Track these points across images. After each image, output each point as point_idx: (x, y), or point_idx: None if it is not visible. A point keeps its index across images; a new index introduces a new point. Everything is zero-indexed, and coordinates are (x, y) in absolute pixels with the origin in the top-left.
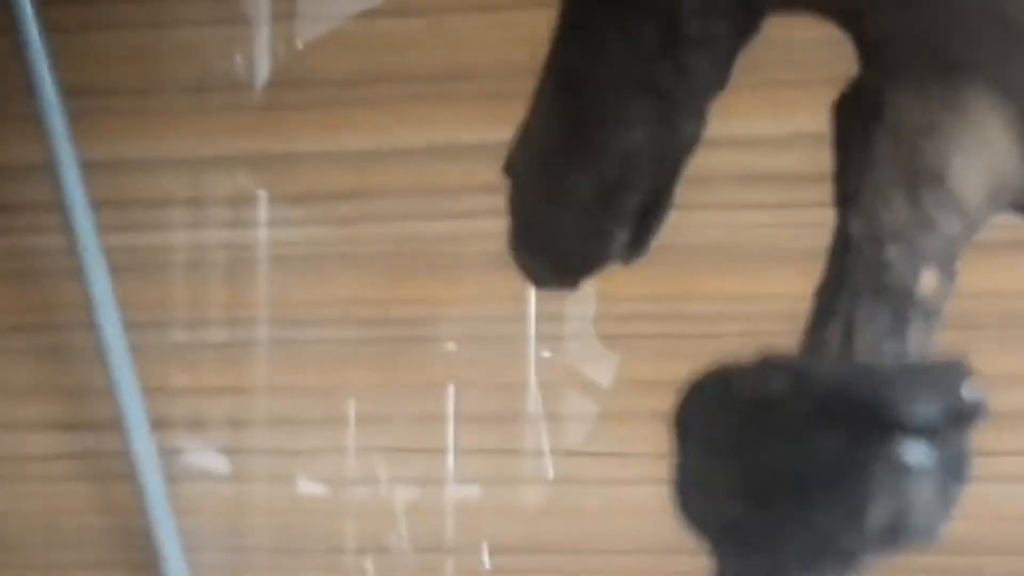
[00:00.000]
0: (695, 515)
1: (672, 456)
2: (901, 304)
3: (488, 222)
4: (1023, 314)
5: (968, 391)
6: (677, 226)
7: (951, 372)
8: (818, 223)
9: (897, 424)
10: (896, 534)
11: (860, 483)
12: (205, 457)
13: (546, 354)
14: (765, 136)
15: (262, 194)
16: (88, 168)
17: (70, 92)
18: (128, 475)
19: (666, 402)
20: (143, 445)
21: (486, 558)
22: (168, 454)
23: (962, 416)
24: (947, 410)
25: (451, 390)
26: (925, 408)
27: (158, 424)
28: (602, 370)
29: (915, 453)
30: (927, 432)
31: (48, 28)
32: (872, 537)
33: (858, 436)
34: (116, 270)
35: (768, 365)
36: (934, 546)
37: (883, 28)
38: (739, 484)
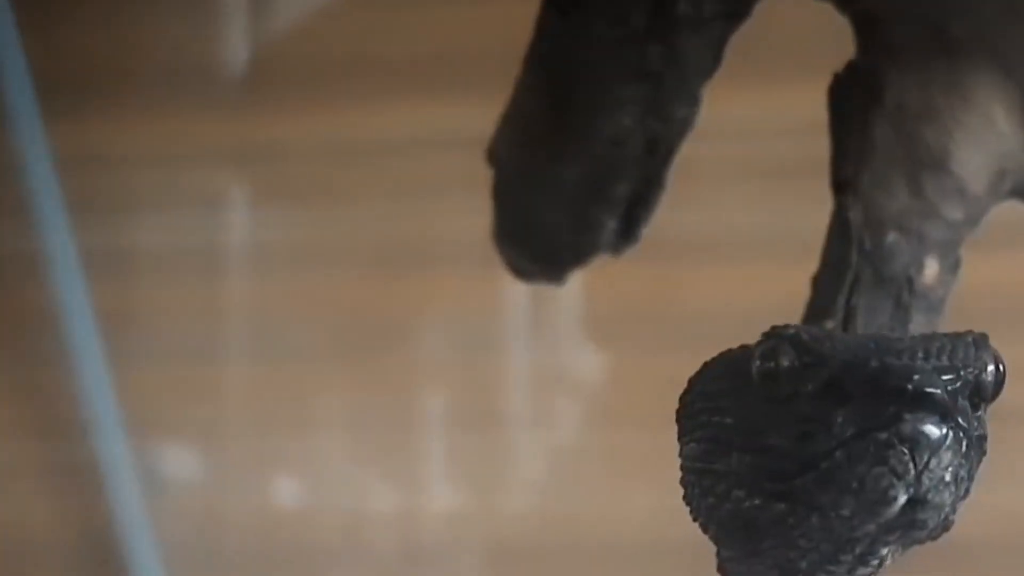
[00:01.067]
0: (704, 507)
1: (680, 447)
2: (903, 294)
3: (472, 218)
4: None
5: (986, 364)
6: (667, 219)
7: (968, 344)
8: (814, 215)
9: (911, 397)
10: (913, 514)
11: (874, 461)
12: (180, 465)
13: (532, 354)
14: (759, 125)
15: (239, 191)
16: (60, 165)
17: (41, 86)
18: (99, 484)
19: (659, 401)
20: (116, 453)
21: (472, 566)
22: (142, 462)
23: (979, 390)
24: (963, 383)
25: (436, 392)
26: (940, 380)
27: (131, 431)
28: (591, 369)
29: (931, 428)
30: (942, 406)
31: (19, 21)
32: (888, 520)
33: (871, 411)
34: (88, 270)
35: (776, 338)
36: (948, 530)
37: (880, 6)
38: (749, 471)
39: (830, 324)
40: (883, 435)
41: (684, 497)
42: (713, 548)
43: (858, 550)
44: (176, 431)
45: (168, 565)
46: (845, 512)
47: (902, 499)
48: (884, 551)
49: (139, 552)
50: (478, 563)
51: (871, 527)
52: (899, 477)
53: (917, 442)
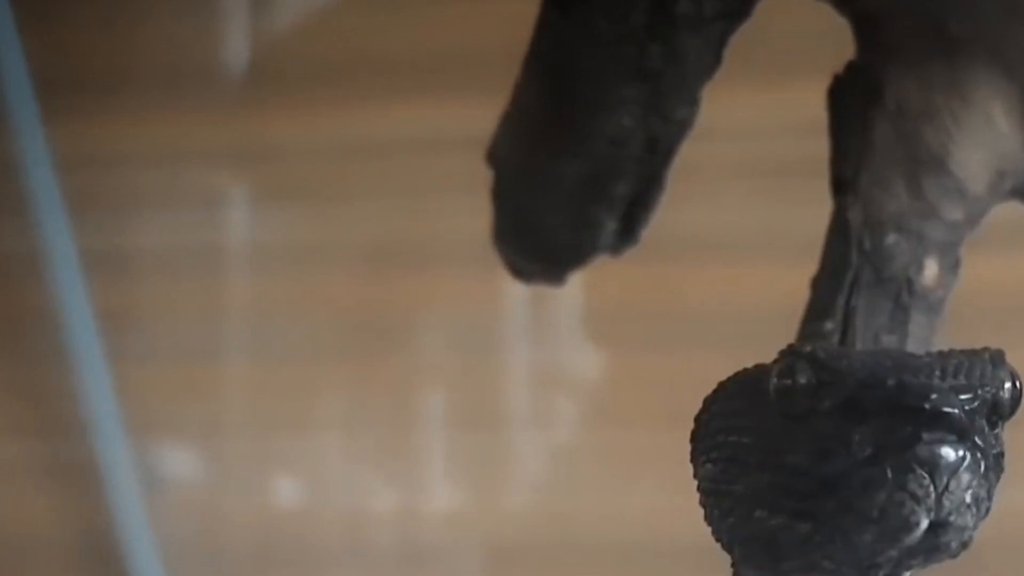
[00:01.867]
0: (725, 527)
1: (695, 468)
2: (903, 294)
3: (472, 218)
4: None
5: (1003, 381)
6: (667, 219)
7: (985, 362)
8: (814, 215)
9: (929, 417)
10: (935, 538)
11: (893, 487)
12: (180, 465)
13: (532, 354)
14: (759, 125)
15: (239, 191)
16: (60, 165)
17: (41, 86)
18: (99, 483)
19: (658, 401)
20: (116, 453)
21: (472, 566)
22: (142, 462)
23: (996, 408)
24: (981, 402)
25: (435, 392)
26: (958, 400)
27: (131, 431)
28: (590, 369)
29: (948, 449)
30: (960, 426)
31: (19, 21)
32: (909, 541)
33: (888, 430)
34: (88, 270)
35: (793, 356)
36: (968, 547)
37: (880, 6)
38: (768, 491)
39: (829, 324)
40: (901, 458)
41: (705, 517)
42: (714, 547)
43: (881, 574)
44: (176, 431)
45: (168, 565)
46: (867, 538)
47: (924, 524)
48: (907, 574)
49: (139, 552)
50: (478, 563)
51: (894, 552)
52: (919, 502)
53: (936, 464)
